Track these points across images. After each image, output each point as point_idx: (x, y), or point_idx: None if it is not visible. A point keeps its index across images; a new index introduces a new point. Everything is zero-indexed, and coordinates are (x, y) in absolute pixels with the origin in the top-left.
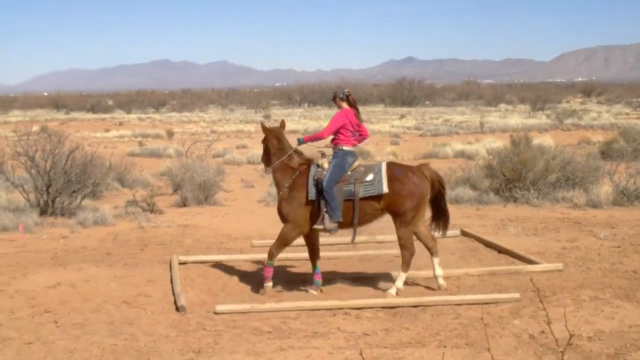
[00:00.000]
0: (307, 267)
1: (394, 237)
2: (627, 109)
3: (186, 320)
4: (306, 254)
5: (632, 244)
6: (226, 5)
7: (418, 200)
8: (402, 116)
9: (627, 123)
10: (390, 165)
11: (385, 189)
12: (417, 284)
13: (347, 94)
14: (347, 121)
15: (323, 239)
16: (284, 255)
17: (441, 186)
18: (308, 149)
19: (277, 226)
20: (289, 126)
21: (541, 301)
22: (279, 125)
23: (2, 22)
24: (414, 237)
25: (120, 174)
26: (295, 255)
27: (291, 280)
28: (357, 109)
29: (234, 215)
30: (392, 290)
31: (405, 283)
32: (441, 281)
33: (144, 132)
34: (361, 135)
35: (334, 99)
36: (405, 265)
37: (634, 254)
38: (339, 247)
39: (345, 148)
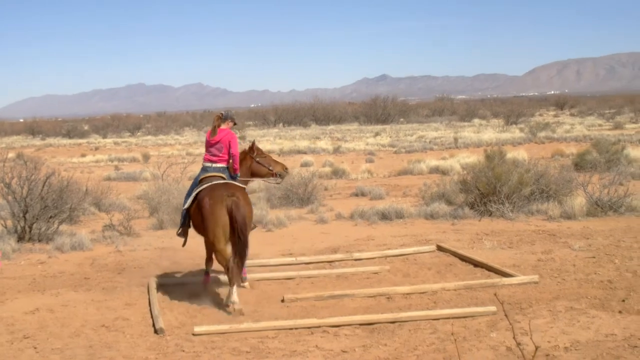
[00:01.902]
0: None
1: (371, 254)
2: (600, 121)
3: (165, 343)
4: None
5: (606, 254)
6: (200, 28)
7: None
8: (377, 134)
9: (599, 134)
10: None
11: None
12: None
13: (216, 116)
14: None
15: (303, 257)
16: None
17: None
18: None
19: (253, 246)
20: (264, 146)
21: (506, 315)
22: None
23: None
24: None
25: (97, 199)
26: (272, 275)
27: (270, 299)
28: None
29: None
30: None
31: (388, 298)
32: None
33: (120, 156)
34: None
35: (229, 121)
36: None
37: (609, 264)
38: (314, 266)
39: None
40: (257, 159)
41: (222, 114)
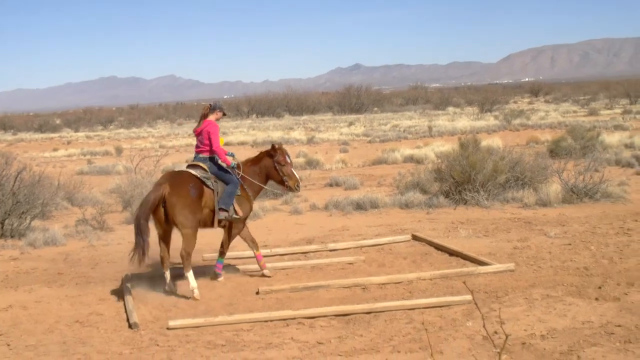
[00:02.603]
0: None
1: (346, 244)
2: (575, 107)
3: (139, 337)
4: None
5: (582, 240)
6: (172, 19)
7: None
8: (351, 123)
9: (574, 121)
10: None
11: None
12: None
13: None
14: None
15: (277, 249)
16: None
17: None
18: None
19: None
20: (237, 138)
21: (476, 304)
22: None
23: None
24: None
25: (70, 193)
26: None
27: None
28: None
29: None
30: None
31: (363, 289)
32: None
33: (93, 150)
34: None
35: (217, 111)
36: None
37: (585, 250)
38: (289, 257)
39: None
40: (276, 165)
41: (210, 105)
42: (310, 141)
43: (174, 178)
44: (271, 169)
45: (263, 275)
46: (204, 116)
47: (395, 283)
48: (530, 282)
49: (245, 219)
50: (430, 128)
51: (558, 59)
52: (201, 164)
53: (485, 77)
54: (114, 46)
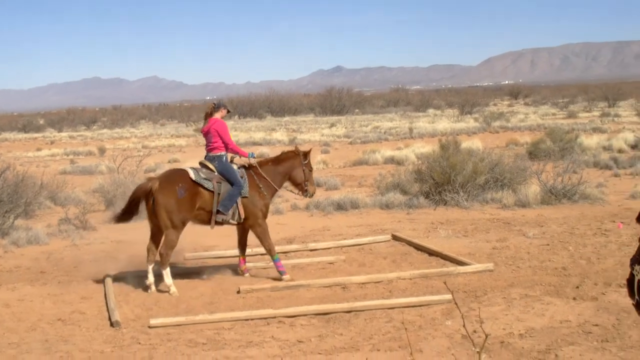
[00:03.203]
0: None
1: (327, 244)
2: (554, 110)
3: (121, 336)
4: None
5: (560, 241)
6: (156, 21)
7: None
8: (332, 125)
9: (553, 123)
10: None
11: None
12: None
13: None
14: None
15: (258, 249)
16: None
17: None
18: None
19: (209, 238)
20: None
21: (456, 303)
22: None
23: None
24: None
25: (53, 193)
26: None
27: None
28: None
29: None
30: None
31: (344, 288)
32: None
33: (76, 149)
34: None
35: (222, 109)
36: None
37: (563, 251)
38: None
39: None
40: (304, 169)
41: (214, 103)
42: (292, 142)
43: (167, 176)
44: (299, 171)
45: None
46: (209, 115)
47: (376, 282)
48: (509, 282)
49: (264, 217)
50: (410, 130)
51: (538, 62)
52: (208, 163)
53: (466, 80)
54: (98, 47)
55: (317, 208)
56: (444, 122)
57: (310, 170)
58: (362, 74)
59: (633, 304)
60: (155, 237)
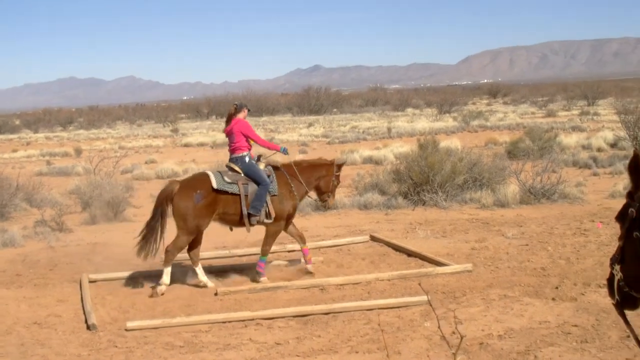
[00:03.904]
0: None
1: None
2: (533, 109)
3: (97, 339)
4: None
5: (539, 241)
6: (132, 20)
7: None
8: (310, 124)
9: (532, 122)
10: None
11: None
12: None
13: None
14: None
15: (236, 250)
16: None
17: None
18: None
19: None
20: (197, 139)
21: (430, 305)
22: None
23: None
24: None
25: (29, 194)
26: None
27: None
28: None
29: None
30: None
31: (322, 289)
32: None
33: (52, 151)
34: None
35: (244, 109)
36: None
37: (542, 251)
38: (247, 259)
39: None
40: (334, 180)
41: (236, 104)
42: (270, 142)
43: (188, 181)
44: (328, 180)
45: (307, 272)
46: (232, 116)
47: (354, 284)
48: (488, 283)
49: (289, 218)
50: (389, 129)
51: (516, 60)
52: (234, 165)
53: (444, 79)
54: (73, 47)
55: None
56: (423, 121)
57: (338, 183)
58: (340, 73)
59: (613, 303)
60: (194, 240)
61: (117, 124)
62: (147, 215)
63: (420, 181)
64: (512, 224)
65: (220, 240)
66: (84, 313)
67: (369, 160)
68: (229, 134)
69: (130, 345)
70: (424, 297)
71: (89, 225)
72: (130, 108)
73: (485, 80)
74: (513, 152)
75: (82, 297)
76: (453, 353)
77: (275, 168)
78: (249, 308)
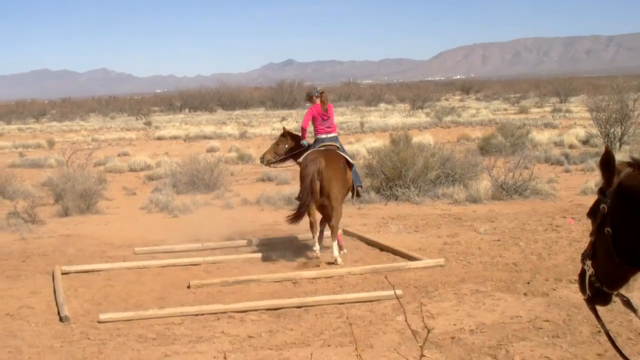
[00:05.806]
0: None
1: (278, 239)
2: (505, 105)
3: (70, 331)
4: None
5: (511, 237)
6: (104, 12)
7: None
8: (283, 119)
9: (505, 119)
10: None
11: None
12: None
13: (321, 92)
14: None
15: (209, 243)
16: (164, 261)
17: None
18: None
19: (159, 233)
20: (170, 132)
21: (398, 299)
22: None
23: None
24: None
25: (1, 186)
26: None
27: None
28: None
29: (116, 223)
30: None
31: (294, 283)
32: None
33: (25, 142)
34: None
35: (311, 97)
36: None
37: (514, 246)
38: (221, 252)
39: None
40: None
41: (322, 90)
42: (243, 136)
43: (326, 154)
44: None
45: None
46: (326, 100)
47: (326, 278)
48: (460, 278)
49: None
50: (362, 124)
51: (489, 57)
52: (334, 143)
53: (417, 74)
54: (46, 39)
55: (268, 203)
56: (396, 116)
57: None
58: (313, 68)
59: (584, 299)
60: (318, 210)
61: (90, 116)
62: (120, 208)
63: (393, 176)
64: (484, 219)
65: (193, 234)
66: (57, 305)
67: None
68: (327, 116)
69: (103, 338)
70: (396, 291)
71: (62, 217)
72: (103, 100)
73: (458, 76)
74: (485, 148)
75: (54, 289)
76: (420, 346)
77: None
78: (222, 301)
